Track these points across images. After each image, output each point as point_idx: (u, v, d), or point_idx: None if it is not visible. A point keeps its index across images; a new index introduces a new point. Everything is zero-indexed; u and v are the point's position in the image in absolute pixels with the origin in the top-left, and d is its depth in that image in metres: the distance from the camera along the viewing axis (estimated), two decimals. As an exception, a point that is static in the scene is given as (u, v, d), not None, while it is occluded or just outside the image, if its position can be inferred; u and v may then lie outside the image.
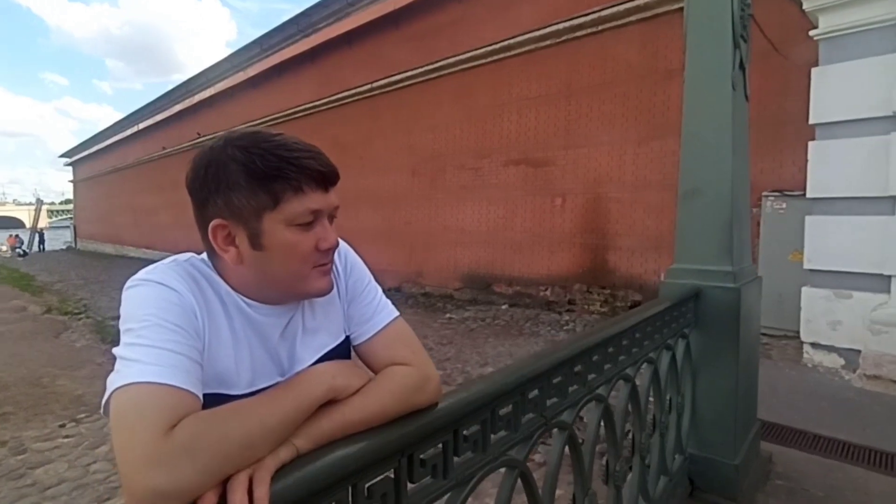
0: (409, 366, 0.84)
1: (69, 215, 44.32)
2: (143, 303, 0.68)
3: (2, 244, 27.27)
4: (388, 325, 0.89)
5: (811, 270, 4.40)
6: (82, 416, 4.28)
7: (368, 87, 10.64)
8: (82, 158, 30.00)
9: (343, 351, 0.89)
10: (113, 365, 0.66)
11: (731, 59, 2.26)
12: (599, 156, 7.38)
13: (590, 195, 7.55)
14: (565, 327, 6.68)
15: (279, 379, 0.80)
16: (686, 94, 2.38)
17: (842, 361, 4.20)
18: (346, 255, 0.92)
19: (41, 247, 28.21)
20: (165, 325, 0.66)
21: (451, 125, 9.32)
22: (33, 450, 3.62)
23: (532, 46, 7.99)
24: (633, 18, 6.92)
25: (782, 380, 4.13)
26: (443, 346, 5.85)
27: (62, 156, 33.07)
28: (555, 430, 1.26)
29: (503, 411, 1.05)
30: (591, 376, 1.41)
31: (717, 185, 2.30)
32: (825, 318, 4.27)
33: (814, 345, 4.37)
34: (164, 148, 19.76)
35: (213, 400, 0.68)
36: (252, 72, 14.25)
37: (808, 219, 4.41)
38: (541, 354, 1.23)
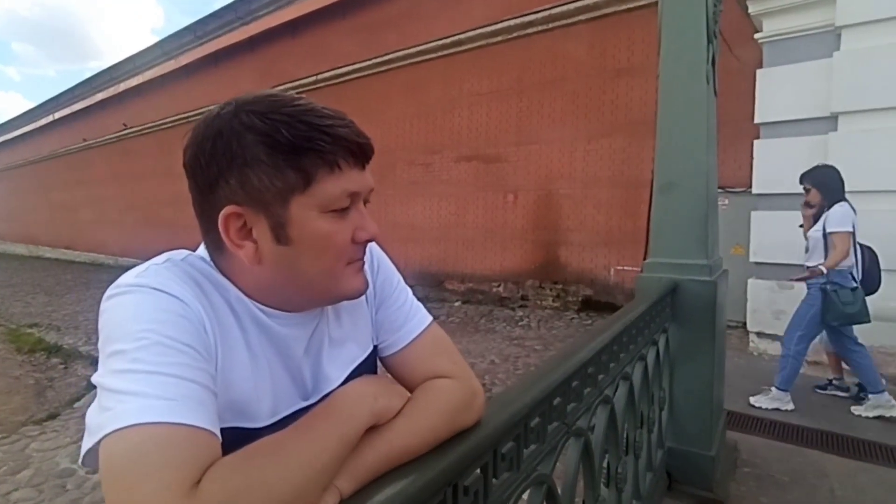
0: (453, 379, 0.71)
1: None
2: (137, 315, 0.51)
3: None
4: (423, 331, 0.75)
5: (756, 263, 4.61)
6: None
7: (313, 79, 10.26)
8: (-13, 150, 27.29)
9: (371, 364, 0.75)
10: (92, 397, 0.50)
11: (705, 53, 2.27)
12: (551, 152, 7.46)
13: (541, 191, 7.62)
14: (520, 323, 6.71)
15: (302, 404, 0.65)
16: (661, 88, 2.37)
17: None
18: (372, 250, 0.77)
19: None
20: (170, 343, 0.50)
21: (401, 120, 9.15)
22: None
23: (483, 42, 7.96)
24: (582, 17, 7.03)
25: (732, 368, 4.27)
26: (399, 345, 5.70)
27: (-37, 147, 29.93)
28: (572, 437, 1.17)
29: (533, 423, 0.95)
30: (600, 377, 1.34)
31: (693, 179, 2.31)
32: (769, 309, 4.48)
33: (759, 334, 4.59)
34: (84, 140, 18.26)
35: (230, 436, 0.52)
36: (185, 60, 13.41)
37: (753, 214, 4.61)
38: (561, 358, 1.14)
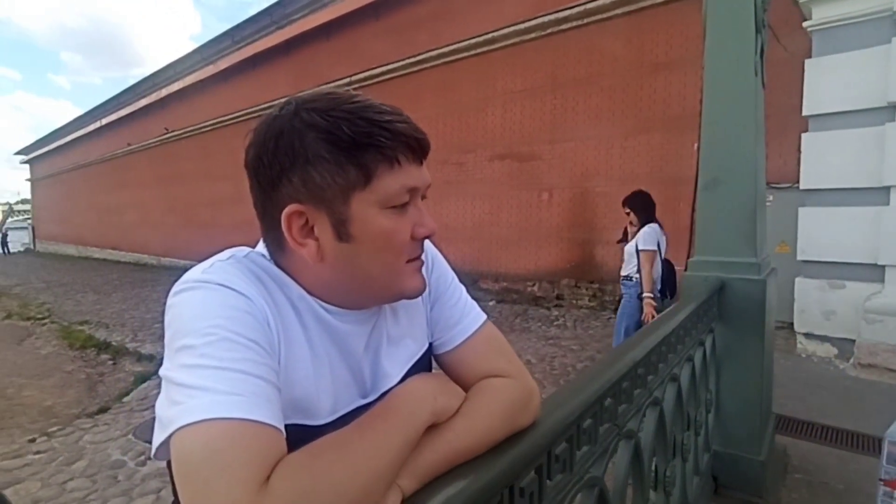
0: (509, 378, 0.70)
1: (26, 216, 42.35)
2: (205, 311, 0.52)
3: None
4: (478, 329, 0.75)
5: (804, 261, 4.42)
6: (54, 429, 4.00)
7: (347, 80, 10.37)
8: (41, 156, 28.65)
9: (426, 361, 0.75)
10: (158, 388, 0.51)
11: (753, 43, 2.19)
12: (586, 150, 7.35)
13: (577, 189, 7.52)
14: (555, 322, 6.63)
15: (361, 402, 0.65)
16: (706, 80, 2.29)
17: (835, 351, 4.24)
18: (427, 247, 0.76)
19: (5, 249, 26.73)
20: (237, 339, 0.50)
21: (434, 120, 9.16)
22: (1, 468, 3.34)
23: (516, 39, 7.89)
24: (618, 12, 6.89)
25: (780, 370, 4.11)
26: (434, 344, 5.72)
27: (18, 153, 31.54)
28: (623, 440, 1.15)
29: (586, 424, 0.93)
30: (649, 378, 1.30)
31: (740, 174, 2.23)
32: (819, 309, 4.30)
33: (807, 335, 4.40)
34: (129, 144, 19.00)
35: (290, 433, 0.53)
36: (223, 64, 13.79)
37: (801, 210, 4.43)
38: (612, 359, 1.11)
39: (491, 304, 8.05)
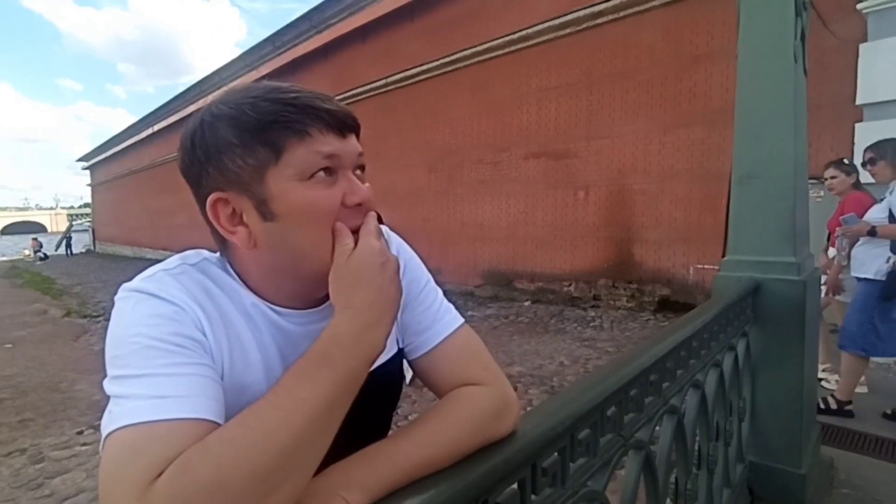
0: (483, 385, 0.66)
1: (87, 219, 44.96)
2: (129, 321, 0.52)
3: (25, 249, 27.62)
4: (451, 334, 0.71)
5: (859, 261, 4.13)
6: (99, 422, 4.19)
7: (383, 81, 10.48)
8: (99, 162, 30.29)
9: (393, 367, 0.72)
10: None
11: (792, 27, 2.05)
12: (623, 146, 7.14)
13: (614, 187, 7.31)
14: (592, 323, 6.47)
15: None
16: (740, 68, 2.16)
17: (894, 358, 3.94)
18: (399, 249, 0.74)
19: (69, 251, 28.39)
20: (159, 346, 0.50)
21: (469, 119, 9.13)
22: (51, 458, 3.52)
23: (551, 35, 7.75)
24: (656, 3, 6.65)
25: (831, 377, 3.88)
26: (466, 344, 5.68)
27: (79, 160, 33.45)
28: (631, 450, 1.08)
29: (581, 435, 0.87)
30: (665, 385, 1.23)
31: (777, 168, 2.09)
32: (876, 312, 4.01)
33: (863, 339, 4.11)
34: (178, 150, 19.81)
35: None
36: (265, 70, 14.16)
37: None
38: (618, 363, 1.05)
39: (526, 304, 7.94)
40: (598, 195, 7.51)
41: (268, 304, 0.62)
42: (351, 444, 0.54)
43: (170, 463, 0.43)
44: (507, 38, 8.24)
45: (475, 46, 8.71)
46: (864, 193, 3.28)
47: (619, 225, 7.29)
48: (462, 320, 0.74)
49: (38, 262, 23.08)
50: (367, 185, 0.62)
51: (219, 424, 0.48)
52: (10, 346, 6.75)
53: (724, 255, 2.25)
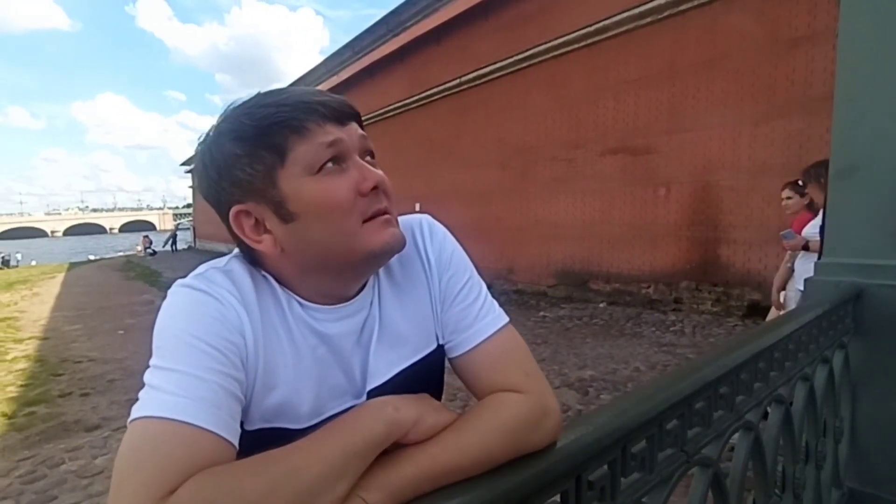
0: (522, 393, 0.63)
1: (189, 218, 49.16)
2: (176, 315, 0.55)
3: (137, 245, 30.63)
4: (493, 335, 0.68)
5: None
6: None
7: (456, 81, 10.54)
8: (198, 166, 32.87)
9: (431, 364, 0.70)
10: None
11: (902, 1, 1.81)
12: (709, 140, 6.69)
13: (698, 184, 6.88)
14: (672, 328, 6.12)
15: (352, 402, 0.64)
16: (840, 48, 1.95)
17: None
18: (433, 231, 0.73)
19: (173, 247, 31.12)
20: (196, 344, 0.52)
21: (543, 115, 8.96)
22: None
23: (631, 25, 7.42)
24: (748, -16, 6.18)
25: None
26: (537, 345, 5.58)
27: (183, 164, 36.52)
28: (696, 467, 1.00)
29: (636, 448, 0.82)
30: (738, 398, 1.12)
31: (884, 160, 1.86)
32: None
33: None
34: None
35: (272, 436, 0.54)
36: (345, 75, 14.73)
37: None
38: (679, 374, 0.97)
39: (601, 305, 7.66)
40: (680, 192, 7.10)
41: (302, 301, 0.63)
42: None
43: (184, 474, 0.44)
44: (583, 31, 7.99)
45: (550, 41, 8.53)
46: (813, 214, 3.23)
47: (704, 224, 6.84)
48: (506, 320, 0.71)
49: (148, 258, 25.52)
50: (379, 171, 0.62)
51: (229, 443, 0.50)
52: (122, 332, 7.48)
53: (819, 257, 2.04)
